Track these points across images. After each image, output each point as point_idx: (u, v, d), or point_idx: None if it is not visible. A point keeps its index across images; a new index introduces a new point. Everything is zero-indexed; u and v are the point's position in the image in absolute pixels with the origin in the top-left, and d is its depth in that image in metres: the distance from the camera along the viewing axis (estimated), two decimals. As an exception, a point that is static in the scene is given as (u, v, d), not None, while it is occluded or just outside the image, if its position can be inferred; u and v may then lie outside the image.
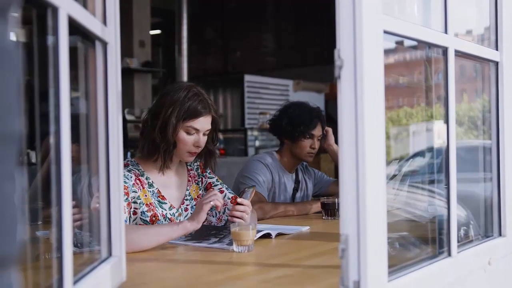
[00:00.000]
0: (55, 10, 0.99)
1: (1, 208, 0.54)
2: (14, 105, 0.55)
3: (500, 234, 1.82)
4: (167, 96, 2.20)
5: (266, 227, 2.19)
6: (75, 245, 1.26)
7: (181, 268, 1.74)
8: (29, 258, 1.23)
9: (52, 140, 1.02)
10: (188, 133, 2.20)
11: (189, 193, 2.36)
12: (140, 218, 2.15)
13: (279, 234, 2.19)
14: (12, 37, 0.56)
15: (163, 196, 2.24)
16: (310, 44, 9.31)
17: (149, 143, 2.21)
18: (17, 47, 0.56)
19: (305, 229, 2.36)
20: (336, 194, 2.92)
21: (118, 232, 1.39)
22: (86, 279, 1.18)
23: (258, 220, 2.61)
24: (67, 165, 1.02)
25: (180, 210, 2.29)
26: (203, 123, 2.22)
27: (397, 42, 1.49)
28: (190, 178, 2.39)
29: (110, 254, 1.38)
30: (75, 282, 1.10)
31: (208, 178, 2.43)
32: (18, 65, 0.56)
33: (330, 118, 3.26)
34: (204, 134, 2.24)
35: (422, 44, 1.62)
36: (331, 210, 2.65)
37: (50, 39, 1.02)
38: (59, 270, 1.01)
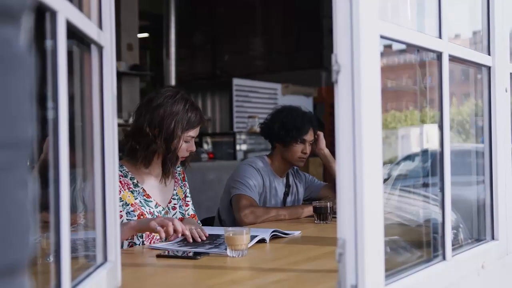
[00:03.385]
0: (53, 14, 0.99)
1: (15, 214, 0.54)
2: (27, 111, 0.55)
3: (493, 238, 1.83)
4: (164, 107, 2.26)
5: (259, 231, 2.19)
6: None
7: (176, 273, 1.73)
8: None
9: (50, 143, 1.01)
10: (186, 141, 2.31)
11: (176, 193, 2.44)
12: (127, 219, 2.18)
13: (274, 236, 2.20)
14: (25, 42, 0.55)
15: (148, 195, 2.31)
16: (299, 48, 9.33)
17: (150, 153, 2.27)
18: (30, 52, 0.56)
19: (297, 233, 2.36)
20: (327, 198, 2.92)
21: (113, 237, 1.38)
22: (83, 285, 1.17)
23: (250, 225, 2.62)
24: (65, 170, 1.02)
25: (167, 208, 2.37)
26: (198, 130, 2.36)
27: (385, 46, 1.50)
28: (176, 180, 2.47)
29: (105, 259, 1.37)
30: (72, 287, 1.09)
31: (187, 187, 2.54)
32: (31, 71, 0.56)
33: (319, 121, 3.27)
34: (195, 139, 2.37)
35: (410, 48, 1.63)
36: (323, 214, 2.65)
37: (48, 43, 1.01)
38: (57, 276, 1.00)
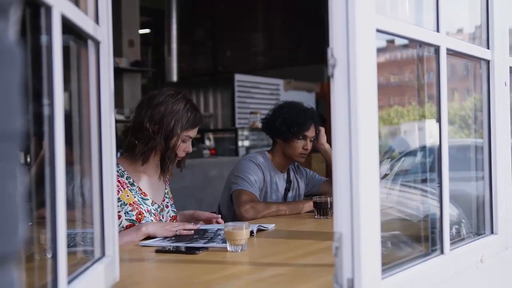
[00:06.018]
0: (48, 9, 0.99)
1: (4, 206, 0.54)
2: (16, 103, 0.55)
3: (492, 232, 1.83)
4: (165, 105, 2.29)
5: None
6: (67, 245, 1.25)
7: (175, 268, 1.74)
8: (21, 258, 1.22)
9: (45, 140, 1.01)
10: (183, 141, 2.34)
11: (167, 192, 2.49)
12: (126, 219, 2.20)
13: (259, 230, 2.25)
14: (13, 36, 0.56)
15: (144, 193, 2.34)
16: (301, 44, 9.33)
17: (149, 149, 2.29)
18: (18, 46, 0.56)
19: (272, 226, 2.39)
20: (328, 193, 2.93)
21: (111, 232, 1.39)
22: (80, 279, 1.17)
23: (250, 220, 2.62)
24: (61, 165, 1.02)
25: (162, 206, 2.41)
26: (196, 131, 2.39)
27: (388, 41, 1.50)
28: (167, 180, 2.51)
29: (103, 254, 1.37)
30: (69, 282, 1.10)
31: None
32: (19, 64, 0.56)
33: (320, 117, 3.27)
34: (192, 140, 2.40)
35: (413, 43, 1.63)
36: (323, 209, 2.65)
37: (43, 38, 1.02)
38: (54, 270, 1.01)
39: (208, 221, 2.44)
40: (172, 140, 2.29)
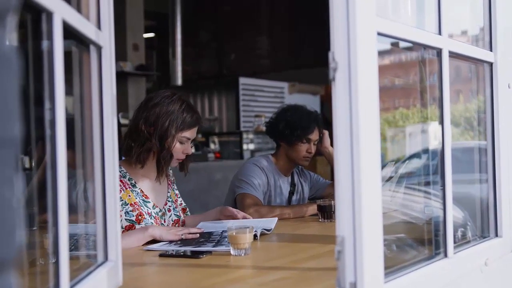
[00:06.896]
0: (49, 14, 0.99)
1: (1, 212, 0.54)
2: (13, 110, 0.55)
3: (496, 235, 1.82)
4: (160, 106, 2.30)
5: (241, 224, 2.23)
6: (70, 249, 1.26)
7: (178, 272, 1.73)
8: (25, 263, 1.22)
9: (47, 145, 1.01)
10: (181, 142, 2.33)
11: (170, 195, 2.48)
12: (125, 219, 2.21)
13: (262, 234, 2.24)
14: (11, 42, 0.56)
15: (146, 195, 2.34)
16: (305, 46, 9.31)
17: (145, 151, 2.29)
18: (16, 52, 0.56)
19: (274, 221, 2.41)
20: (332, 197, 2.92)
21: (114, 236, 1.39)
22: (83, 284, 1.17)
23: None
24: (63, 170, 1.02)
25: (163, 210, 2.40)
26: (194, 132, 2.38)
27: (392, 44, 1.50)
28: (169, 182, 2.51)
29: (106, 258, 1.37)
30: (72, 286, 1.10)
31: (176, 190, 2.57)
32: (17, 70, 0.56)
33: (325, 120, 3.26)
34: (191, 142, 2.39)
35: (417, 46, 1.63)
36: (327, 213, 2.65)
37: (44, 44, 1.02)
38: (56, 275, 1.01)
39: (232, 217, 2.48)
40: (167, 140, 2.28)
